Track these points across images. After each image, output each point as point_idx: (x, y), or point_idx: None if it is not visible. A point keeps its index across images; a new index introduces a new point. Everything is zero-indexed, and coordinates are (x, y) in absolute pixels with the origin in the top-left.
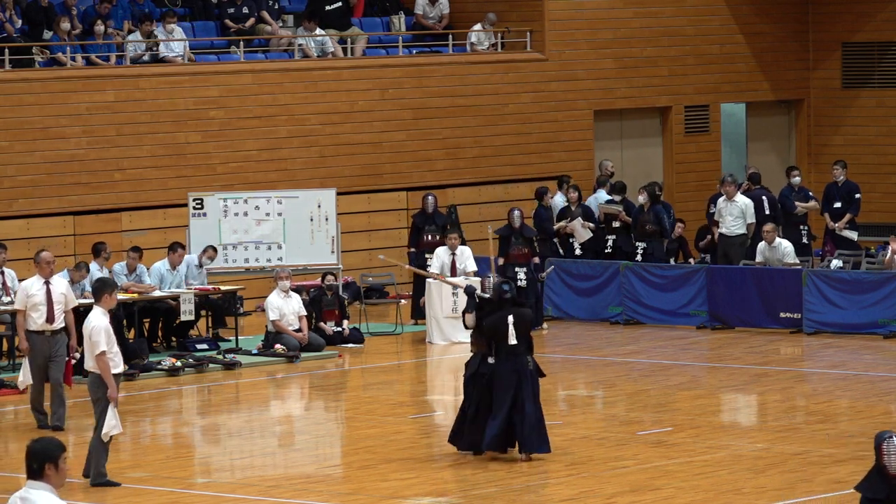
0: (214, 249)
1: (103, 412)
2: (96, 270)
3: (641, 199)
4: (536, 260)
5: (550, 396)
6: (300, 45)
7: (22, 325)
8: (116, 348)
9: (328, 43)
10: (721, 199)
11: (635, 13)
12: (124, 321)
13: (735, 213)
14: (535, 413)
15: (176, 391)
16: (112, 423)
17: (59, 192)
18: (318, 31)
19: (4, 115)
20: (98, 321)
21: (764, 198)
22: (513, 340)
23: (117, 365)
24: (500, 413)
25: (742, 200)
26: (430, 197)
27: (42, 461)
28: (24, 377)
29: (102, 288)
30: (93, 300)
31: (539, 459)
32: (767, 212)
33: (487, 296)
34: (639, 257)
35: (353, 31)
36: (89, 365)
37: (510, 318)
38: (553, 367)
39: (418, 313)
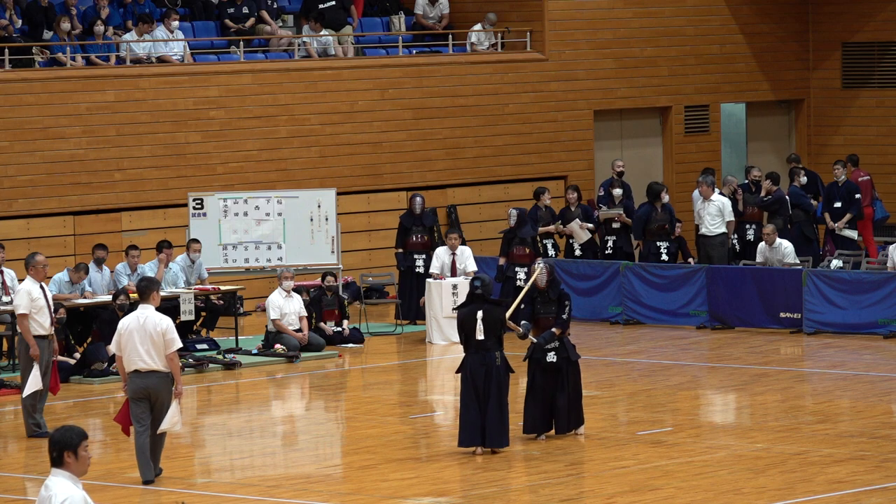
0: (196, 241)
1: (167, 408)
2: (94, 271)
3: (666, 197)
4: (539, 260)
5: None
6: (300, 44)
7: (29, 331)
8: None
9: (330, 44)
10: (699, 200)
11: (635, 13)
12: None
13: (713, 213)
14: (497, 408)
15: None
16: (175, 420)
17: (59, 192)
18: (323, 31)
19: (4, 115)
20: (168, 320)
21: (787, 197)
22: (480, 335)
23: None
24: (471, 405)
25: (719, 199)
26: (417, 198)
27: (61, 449)
28: (35, 384)
29: (150, 287)
30: (140, 298)
31: (538, 459)
32: (791, 211)
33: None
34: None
35: (346, 31)
36: (154, 364)
37: (479, 314)
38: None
39: (407, 314)
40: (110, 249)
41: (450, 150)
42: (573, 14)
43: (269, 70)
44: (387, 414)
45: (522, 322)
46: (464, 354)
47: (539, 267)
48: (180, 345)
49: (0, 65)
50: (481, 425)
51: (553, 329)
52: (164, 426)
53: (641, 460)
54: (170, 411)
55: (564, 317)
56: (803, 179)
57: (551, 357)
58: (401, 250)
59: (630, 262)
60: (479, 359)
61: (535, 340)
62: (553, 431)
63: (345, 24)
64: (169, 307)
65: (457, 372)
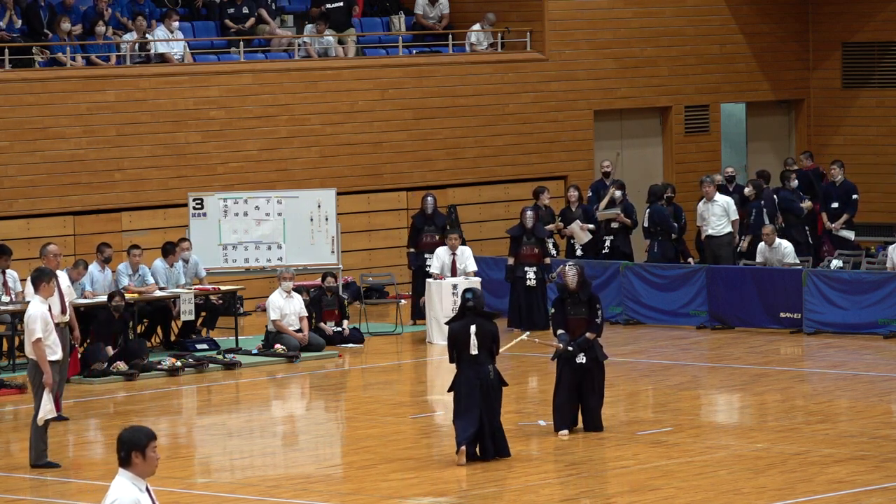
0: (185, 240)
1: (39, 397)
2: (96, 270)
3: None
4: (547, 261)
5: (551, 397)
6: (300, 44)
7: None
8: (54, 336)
9: (332, 45)
10: (701, 203)
11: (635, 13)
12: (130, 322)
13: (718, 213)
14: (490, 423)
15: (176, 391)
16: (47, 408)
17: (59, 192)
18: (328, 32)
19: (4, 115)
20: (35, 309)
21: (775, 196)
22: (474, 350)
23: (54, 352)
24: (469, 415)
25: (722, 199)
26: (429, 198)
27: (129, 449)
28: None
29: (40, 277)
30: (32, 293)
31: (538, 459)
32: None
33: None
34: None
35: (349, 32)
36: (27, 351)
37: (472, 328)
38: (554, 367)
39: (418, 314)
40: (112, 251)
41: (450, 150)
42: (573, 14)
43: (269, 70)
44: (387, 414)
45: (560, 332)
46: (455, 370)
47: (566, 269)
48: (39, 335)
49: (0, 65)
50: (478, 435)
51: (587, 335)
52: (39, 415)
53: (641, 460)
54: (42, 401)
55: (598, 321)
56: (794, 183)
57: (580, 358)
58: (412, 250)
59: (630, 262)
60: (473, 374)
61: (570, 349)
62: (581, 426)
63: (348, 25)
64: (167, 307)
65: (449, 390)
